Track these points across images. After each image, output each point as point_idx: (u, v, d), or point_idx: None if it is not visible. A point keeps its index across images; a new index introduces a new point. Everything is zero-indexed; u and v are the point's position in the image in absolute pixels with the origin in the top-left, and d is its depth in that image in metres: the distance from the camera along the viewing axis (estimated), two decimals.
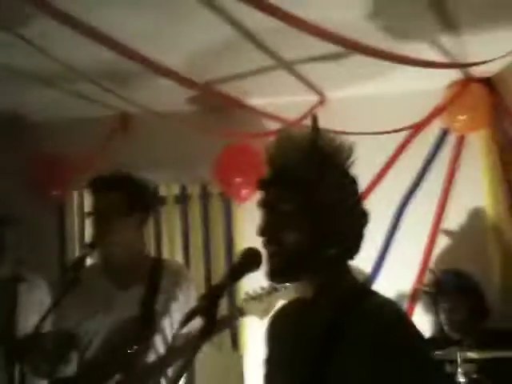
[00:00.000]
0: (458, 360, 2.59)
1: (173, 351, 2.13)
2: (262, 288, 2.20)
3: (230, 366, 3.39)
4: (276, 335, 1.41)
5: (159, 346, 2.18)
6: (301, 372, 1.23)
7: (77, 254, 3.49)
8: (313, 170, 1.26)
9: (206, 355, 3.49)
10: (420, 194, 3.41)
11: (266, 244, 1.27)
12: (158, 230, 3.67)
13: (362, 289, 1.30)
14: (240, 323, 2.10)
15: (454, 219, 3.40)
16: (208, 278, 3.57)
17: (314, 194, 1.25)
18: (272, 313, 1.50)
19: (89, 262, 3.47)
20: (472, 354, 2.59)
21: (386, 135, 3.21)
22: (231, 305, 3.18)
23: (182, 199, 3.65)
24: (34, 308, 2.58)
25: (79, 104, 3.25)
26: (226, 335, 3.44)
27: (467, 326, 2.94)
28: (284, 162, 1.28)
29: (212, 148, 3.32)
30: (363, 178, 3.63)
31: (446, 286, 3.04)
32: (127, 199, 2.20)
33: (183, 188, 3.64)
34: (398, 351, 1.14)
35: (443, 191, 3.39)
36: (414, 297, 3.33)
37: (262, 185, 1.31)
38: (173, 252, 3.61)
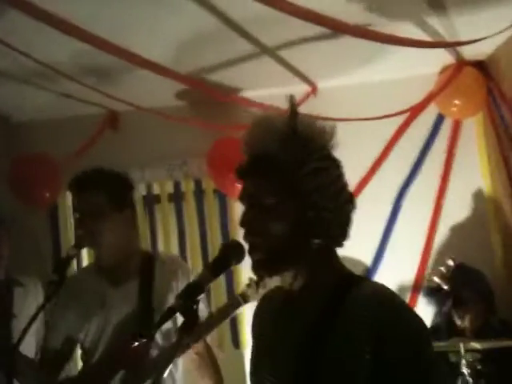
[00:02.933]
0: (462, 350, 2.53)
1: (164, 351, 2.10)
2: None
3: (230, 363, 3.35)
4: (261, 326, 1.34)
5: (159, 339, 2.14)
6: (291, 362, 1.17)
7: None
8: (292, 155, 1.19)
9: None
10: (418, 180, 3.36)
11: (248, 236, 1.20)
12: (153, 228, 3.63)
13: (352, 276, 1.23)
14: (241, 311, 2.06)
15: (454, 204, 3.35)
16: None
17: (295, 181, 1.18)
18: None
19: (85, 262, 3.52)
20: (475, 345, 2.53)
21: (382, 122, 3.17)
22: (230, 292, 3.14)
23: (176, 197, 3.60)
24: (31, 312, 2.53)
25: (65, 103, 3.19)
26: (226, 332, 3.40)
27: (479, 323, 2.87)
28: (261, 149, 1.21)
29: (204, 143, 3.27)
30: (360, 167, 3.60)
31: (462, 286, 2.94)
32: (108, 197, 2.11)
33: (177, 185, 3.60)
34: (394, 332, 1.09)
35: (442, 176, 3.34)
36: (416, 287, 3.27)
37: (240, 174, 1.24)
38: (169, 251, 3.56)
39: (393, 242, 3.33)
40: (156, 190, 3.61)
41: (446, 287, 2.96)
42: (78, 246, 2.09)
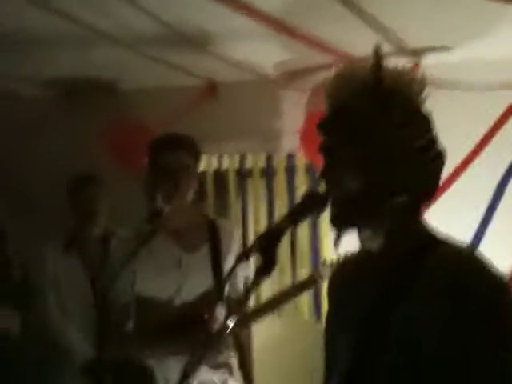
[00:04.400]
0: None
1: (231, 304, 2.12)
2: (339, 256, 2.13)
3: (311, 334, 3.33)
4: (338, 290, 1.30)
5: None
6: (366, 326, 1.12)
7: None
8: (374, 106, 1.13)
9: (286, 323, 3.49)
10: None
11: (328, 188, 1.16)
12: (243, 202, 3.64)
13: (432, 238, 1.15)
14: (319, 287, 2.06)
15: None
16: (293, 251, 3.49)
17: (376, 134, 1.13)
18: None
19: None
20: None
21: (487, 104, 2.99)
22: (313, 269, 3.10)
23: (268, 171, 3.59)
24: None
25: (165, 72, 3.24)
26: (307, 303, 3.38)
27: None
28: (343, 100, 1.16)
29: (299, 116, 3.22)
30: (461, 149, 3.41)
31: None
32: (194, 159, 2.25)
33: (269, 159, 3.58)
34: (476, 304, 1.01)
35: None
36: None
37: (321, 127, 1.19)
38: (258, 225, 3.56)
39: (491, 231, 3.14)
40: (248, 163, 3.61)
41: None
42: (168, 201, 2.14)
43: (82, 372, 2.68)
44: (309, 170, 3.49)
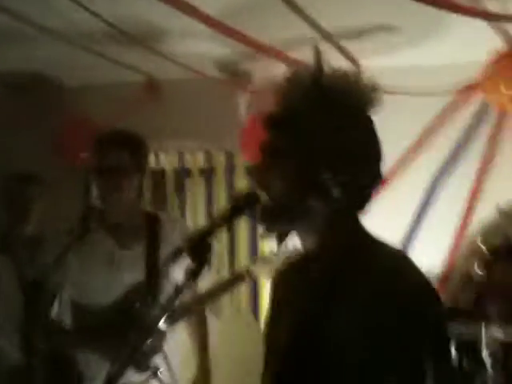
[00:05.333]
0: (484, 339, 2.43)
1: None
2: (272, 252, 2.15)
3: (249, 331, 3.35)
4: (280, 289, 1.30)
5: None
6: (299, 326, 1.13)
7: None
8: (312, 110, 1.13)
9: (225, 321, 3.48)
10: (456, 170, 3.24)
11: (257, 187, 1.16)
12: (182, 201, 3.61)
13: (368, 238, 1.15)
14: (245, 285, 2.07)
15: (491, 201, 3.22)
16: (231, 251, 3.50)
17: (311, 138, 1.12)
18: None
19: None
20: (500, 335, 2.43)
21: (422, 108, 3.10)
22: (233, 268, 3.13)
23: (207, 170, 3.57)
24: None
25: (113, 69, 3.18)
26: (244, 300, 3.39)
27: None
28: (285, 102, 1.17)
29: (240, 117, 3.23)
30: (396, 151, 3.51)
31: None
32: (136, 157, 2.21)
33: (208, 158, 3.56)
34: (404, 306, 1.02)
35: (480, 169, 3.22)
36: (444, 279, 3.18)
37: (263, 124, 1.19)
38: (196, 225, 3.53)
39: (423, 231, 3.24)
40: (188, 162, 3.59)
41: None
42: (101, 199, 2.11)
43: (12, 377, 2.57)
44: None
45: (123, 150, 2.18)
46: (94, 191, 2.17)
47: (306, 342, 1.10)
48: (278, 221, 1.15)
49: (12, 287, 2.68)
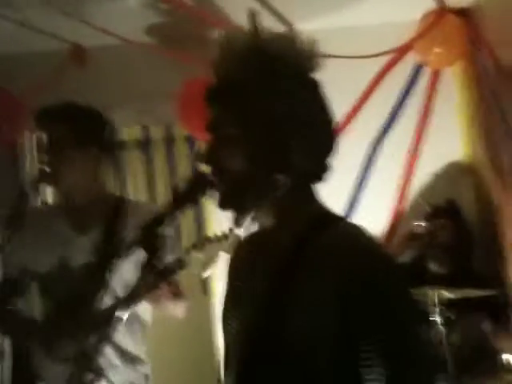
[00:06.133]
0: (436, 300, 2.49)
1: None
2: (207, 237, 2.11)
3: (200, 311, 3.31)
4: (234, 271, 1.25)
5: (117, 288, 2.04)
6: (258, 306, 1.07)
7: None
8: (254, 75, 1.05)
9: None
10: (394, 131, 3.27)
11: (211, 170, 1.09)
12: (120, 176, 3.50)
13: (327, 215, 1.11)
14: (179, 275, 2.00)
15: (429, 158, 3.28)
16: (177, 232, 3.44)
17: (258, 107, 1.04)
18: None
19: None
20: (448, 294, 2.49)
21: (358, 70, 3.07)
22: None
23: (145, 143, 3.47)
24: None
25: (28, 36, 2.98)
26: (195, 279, 3.33)
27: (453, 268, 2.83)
28: (223, 71, 1.08)
29: (175, 85, 3.11)
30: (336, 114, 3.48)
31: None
32: (75, 131, 2.02)
33: (145, 131, 3.46)
34: (368, 282, 0.98)
35: (417, 128, 3.26)
36: (388, 238, 3.24)
37: (204, 100, 1.10)
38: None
39: (366, 192, 3.27)
40: (123, 135, 3.46)
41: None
42: (37, 182, 1.99)
43: None
44: (188, 140, 3.42)
45: (62, 124, 2.02)
46: (31, 170, 2.04)
47: (267, 325, 1.04)
48: (241, 201, 1.09)
49: None
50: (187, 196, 1.12)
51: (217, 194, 1.09)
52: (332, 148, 1.11)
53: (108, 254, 1.99)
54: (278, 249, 1.09)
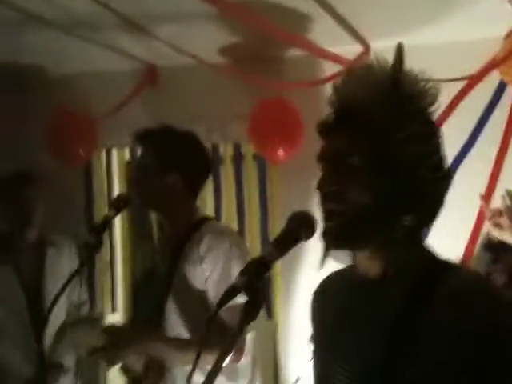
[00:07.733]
0: None
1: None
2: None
3: (264, 333, 3.25)
4: (325, 312, 1.17)
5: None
6: (367, 358, 1.00)
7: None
8: (390, 112, 1.01)
9: None
10: (474, 151, 3.11)
11: (325, 201, 1.02)
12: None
13: (441, 262, 1.05)
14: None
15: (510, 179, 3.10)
16: None
17: (391, 144, 1.00)
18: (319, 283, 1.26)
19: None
20: None
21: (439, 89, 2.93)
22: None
23: (214, 160, 3.44)
24: (63, 273, 2.41)
25: (104, 56, 3.02)
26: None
27: None
28: (353, 101, 1.02)
29: (246, 105, 3.08)
30: None
31: None
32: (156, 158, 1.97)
33: (215, 148, 3.43)
34: (496, 342, 0.92)
35: (499, 150, 3.09)
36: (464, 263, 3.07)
37: (324, 128, 1.05)
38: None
39: (442, 216, 3.12)
40: None
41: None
42: (120, 207, 1.95)
43: None
44: (256, 159, 3.38)
45: (148, 147, 2.00)
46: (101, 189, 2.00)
47: (395, 373, 0.97)
48: (359, 236, 1.02)
49: (17, 300, 2.51)
50: (291, 238, 1.05)
51: (324, 227, 1.03)
52: (445, 196, 1.08)
53: None
54: (396, 295, 1.02)
